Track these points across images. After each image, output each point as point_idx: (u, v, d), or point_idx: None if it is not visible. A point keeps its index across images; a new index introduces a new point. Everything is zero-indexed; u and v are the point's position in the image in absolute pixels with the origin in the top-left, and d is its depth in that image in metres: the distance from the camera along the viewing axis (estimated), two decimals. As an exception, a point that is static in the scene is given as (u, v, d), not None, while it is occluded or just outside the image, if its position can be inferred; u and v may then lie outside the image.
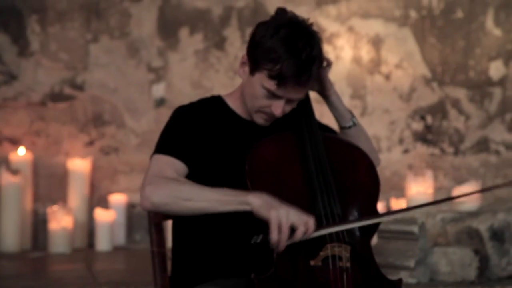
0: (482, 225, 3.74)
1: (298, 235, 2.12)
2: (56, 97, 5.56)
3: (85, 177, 5.37)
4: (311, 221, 2.14)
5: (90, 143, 5.56)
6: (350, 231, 2.23)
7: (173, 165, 2.27)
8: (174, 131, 2.34)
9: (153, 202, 2.21)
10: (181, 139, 2.31)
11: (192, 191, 2.20)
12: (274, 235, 2.11)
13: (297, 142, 2.33)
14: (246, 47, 2.36)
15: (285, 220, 2.11)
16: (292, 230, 2.12)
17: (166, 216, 2.41)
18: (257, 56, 2.28)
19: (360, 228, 2.26)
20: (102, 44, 5.58)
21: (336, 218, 2.22)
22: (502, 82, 5.82)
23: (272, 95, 2.28)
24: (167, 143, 2.31)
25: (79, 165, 5.37)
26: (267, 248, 2.14)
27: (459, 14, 5.80)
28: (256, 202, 2.15)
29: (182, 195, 2.20)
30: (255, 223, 2.18)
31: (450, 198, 2.46)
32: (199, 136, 2.33)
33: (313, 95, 2.47)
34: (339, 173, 2.31)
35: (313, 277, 2.16)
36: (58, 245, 5.07)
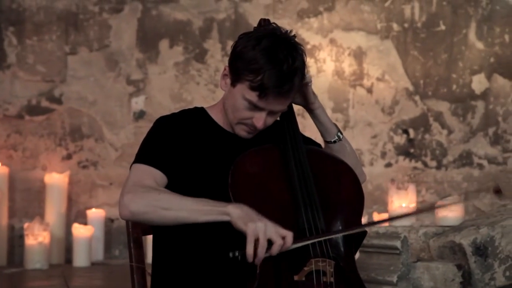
0: (465, 240, 3.70)
1: (275, 248, 2.08)
2: (33, 110, 5.51)
3: (62, 191, 5.32)
4: (289, 235, 2.10)
5: (68, 156, 5.50)
6: (334, 246, 2.20)
7: (152, 175, 2.23)
8: (155, 141, 2.30)
9: (132, 211, 2.17)
10: (162, 149, 2.27)
11: (171, 201, 2.17)
12: (249, 248, 2.07)
13: (281, 155, 2.30)
14: (228, 58, 2.32)
15: (262, 233, 2.08)
16: (270, 244, 2.08)
17: (145, 231, 2.38)
18: (238, 67, 2.25)
19: (344, 243, 2.24)
20: (81, 56, 5.54)
21: (320, 232, 2.19)
22: (484, 95, 5.82)
23: (254, 107, 2.25)
24: (147, 153, 2.28)
25: (56, 179, 5.32)
26: (245, 262, 2.10)
27: (442, 26, 5.79)
28: (235, 213, 2.11)
29: (162, 204, 2.16)
30: (235, 238, 2.14)
31: (431, 208, 2.43)
32: (180, 146, 2.29)
33: (296, 108, 2.44)
34: (323, 187, 2.28)
35: (297, 293, 2.12)
36: (34, 261, 5.03)
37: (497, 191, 2.19)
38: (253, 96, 2.23)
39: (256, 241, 2.07)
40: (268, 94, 2.22)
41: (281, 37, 2.26)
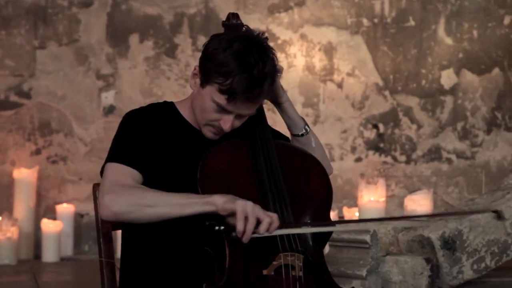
0: (434, 234, 3.73)
1: (263, 227, 2.09)
2: (2, 104, 5.46)
3: (31, 186, 5.28)
4: (275, 217, 2.12)
5: (37, 151, 5.46)
6: (302, 240, 2.21)
7: (129, 173, 2.22)
8: (126, 138, 2.28)
9: (114, 211, 2.15)
10: (135, 147, 2.26)
11: (155, 197, 2.16)
12: (240, 224, 2.08)
13: (250, 149, 2.30)
14: (198, 54, 2.31)
15: (251, 210, 2.08)
16: (257, 224, 2.09)
17: (115, 226, 2.37)
18: (208, 69, 2.24)
19: (313, 237, 2.24)
20: (50, 50, 5.49)
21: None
22: (453, 90, 5.86)
23: (222, 109, 2.25)
24: (121, 151, 2.26)
25: (25, 175, 5.28)
26: (229, 238, 2.10)
27: (411, 22, 5.82)
28: (220, 200, 2.11)
29: (145, 202, 2.15)
30: (204, 234, 2.14)
31: (405, 217, 2.46)
32: (150, 143, 2.28)
33: (265, 103, 2.44)
34: (292, 180, 2.28)
35: (266, 287, 2.12)
36: (3, 256, 4.99)
37: (499, 216, 2.23)
38: (221, 99, 2.23)
39: (245, 218, 2.07)
40: (237, 98, 2.21)
41: (253, 41, 2.25)
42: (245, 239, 2.09)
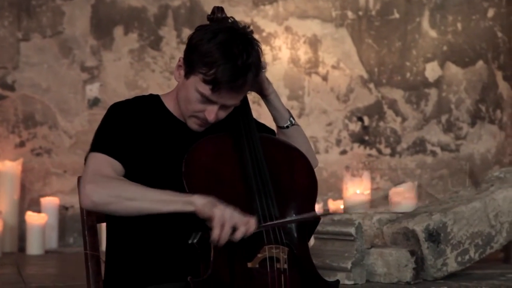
0: (418, 226, 3.75)
1: (238, 234, 2.10)
2: (-14, 97, 5.43)
3: (15, 179, 5.26)
4: (251, 222, 2.12)
5: (21, 144, 5.44)
6: (287, 233, 2.21)
7: (110, 164, 2.23)
8: (110, 129, 2.29)
9: (94, 201, 2.16)
10: (117, 138, 2.26)
11: (135, 191, 2.16)
12: (216, 232, 2.08)
13: (235, 142, 2.30)
14: (183, 47, 2.31)
15: (229, 219, 2.09)
16: (233, 230, 2.10)
17: (100, 218, 2.37)
18: (193, 60, 2.25)
19: (298, 229, 2.25)
20: (34, 42, 5.47)
21: (273, 219, 2.20)
22: (437, 83, 5.88)
23: (206, 100, 2.25)
24: (104, 142, 2.26)
25: (9, 167, 5.25)
26: (205, 246, 2.10)
27: (396, 15, 5.83)
28: (200, 201, 2.12)
29: (125, 195, 2.15)
30: (189, 226, 2.15)
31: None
32: (134, 135, 2.28)
33: (251, 95, 2.44)
34: (277, 174, 2.29)
35: (251, 279, 2.13)
36: (-13, 249, 4.96)
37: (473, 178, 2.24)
38: (206, 89, 2.23)
39: (222, 226, 2.08)
40: (221, 88, 2.22)
41: (238, 32, 2.26)
42: (220, 246, 2.10)
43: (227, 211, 2.10)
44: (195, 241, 2.11)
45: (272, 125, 2.52)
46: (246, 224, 2.11)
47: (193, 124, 2.31)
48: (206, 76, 2.21)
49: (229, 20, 2.34)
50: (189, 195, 2.13)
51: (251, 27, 2.31)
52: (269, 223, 2.18)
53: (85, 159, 2.26)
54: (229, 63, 2.20)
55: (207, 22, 2.37)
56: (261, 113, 2.78)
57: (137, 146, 2.28)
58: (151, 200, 2.14)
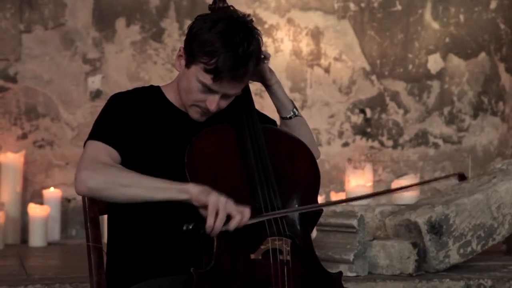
0: (420, 218, 3.75)
1: (233, 223, 2.10)
2: (-12, 89, 5.43)
3: (18, 171, 5.26)
4: (246, 211, 2.12)
5: (24, 136, 5.44)
6: (290, 225, 2.21)
7: (107, 152, 2.23)
8: (109, 118, 2.29)
9: (89, 187, 2.17)
10: (116, 127, 2.27)
11: (130, 178, 2.16)
12: (210, 220, 2.08)
13: (237, 133, 2.30)
14: (184, 39, 2.31)
15: (223, 206, 2.09)
16: (228, 219, 2.10)
17: (102, 210, 2.37)
18: (193, 49, 2.24)
19: (300, 221, 2.25)
20: (36, 34, 5.46)
21: (276, 210, 2.20)
22: (440, 75, 5.87)
23: (208, 89, 2.25)
24: (102, 130, 2.27)
25: (11, 159, 5.25)
26: (199, 234, 2.11)
27: (398, 7, 5.82)
28: (195, 190, 2.12)
29: (120, 181, 2.16)
30: (190, 217, 2.14)
31: (388, 191, 2.47)
32: (134, 124, 2.29)
33: (253, 87, 2.44)
34: (279, 165, 2.29)
35: (254, 271, 2.13)
36: (-11, 241, 4.96)
37: (462, 177, 2.24)
38: (207, 78, 2.23)
39: (216, 214, 2.08)
40: (223, 77, 2.22)
41: (238, 20, 2.25)
42: (213, 234, 2.10)
43: (222, 199, 2.09)
44: (190, 227, 2.10)
45: (274, 116, 2.52)
46: (241, 213, 2.10)
47: (194, 113, 2.31)
48: (207, 65, 2.21)
49: (230, 8, 2.34)
50: (184, 184, 2.13)
51: (251, 16, 2.31)
52: (264, 214, 2.18)
53: (84, 147, 2.28)
54: (230, 52, 2.20)
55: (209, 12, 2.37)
56: (263, 105, 2.78)
57: (137, 136, 2.28)
58: (145, 187, 2.14)
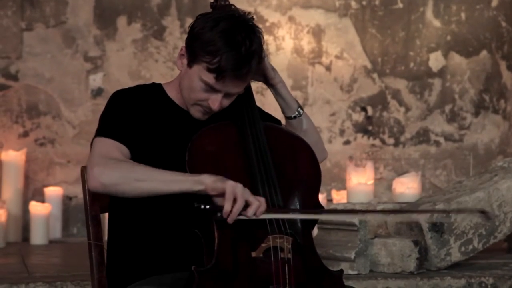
0: (422, 216, 3.74)
1: (251, 210, 2.09)
2: (-11, 87, 5.43)
3: (19, 169, 5.26)
4: (263, 201, 2.12)
5: (25, 134, 5.44)
6: (291, 223, 2.22)
7: (118, 148, 2.23)
8: (115, 114, 2.29)
9: (103, 183, 2.16)
10: (123, 123, 2.27)
11: (144, 172, 2.16)
12: (227, 205, 2.08)
13: (238, 131, 2.30)
14: (185, 38, 2.31)
15: (241, 193, 2.09)
16: (245, 207, 2.09)
17: (103, 208, 2.37)
18: (195, 48, 2.24)
19: (301, 219, 2.25)
20: (37, 32, 5.46)
21: (277, 208, 2.20)
22: (441, 73, 5.86)
23: (210, 88, 2.25)
24: (110, 126, 2.27)
25: (13, 157, 5.25)
26: (212, 217, 2.10)
27: (399, 4, 5.82)
28: (209, 179, 2.11)
29: (134, 176, 2.15)
30: (192, 215, 2.15)
31: (398, 211, 2.48)
32: (137, 121, 2.29)
33: (254, 85, 2.44)
34: (281, 163, 2.29)
35: (255, 269, 2.13)
36: (-9, 239, 4.96)
37: (483, 213, 2.26)
38: (210, 78, 2.23)
39: (233, 201, 2.08)
40: (226, 76, 2.22)
41: (240, 19, 2.26)
42: (231, 219, 2.09)
43: (240, 186, 2.09)
44: (207, 207, 2.08)
45: (277, 114, 2.52)
46: (259, 201, 2.10)
47: (196, 112, 2.31)
48: (210, 64, 2.21)
49: (231, 7, 2.34)
50: (198, 175, 2.13)
51: (253, 15, 2.31)
52: (279, 212, 2.17)
53: (91, 145, 2.27)
54: (232, 51, 2.20)
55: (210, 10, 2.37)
56: (264, 103, 2.78)
57: (141, 132, 2.28)
58: (160, 180, 2.14)
